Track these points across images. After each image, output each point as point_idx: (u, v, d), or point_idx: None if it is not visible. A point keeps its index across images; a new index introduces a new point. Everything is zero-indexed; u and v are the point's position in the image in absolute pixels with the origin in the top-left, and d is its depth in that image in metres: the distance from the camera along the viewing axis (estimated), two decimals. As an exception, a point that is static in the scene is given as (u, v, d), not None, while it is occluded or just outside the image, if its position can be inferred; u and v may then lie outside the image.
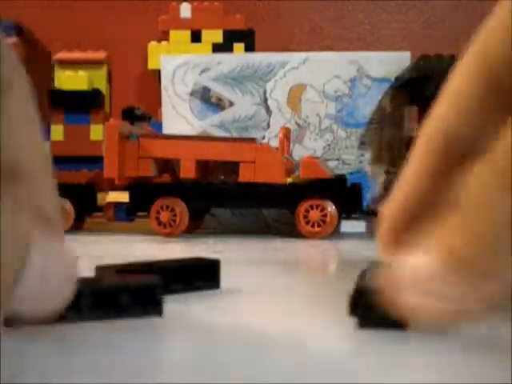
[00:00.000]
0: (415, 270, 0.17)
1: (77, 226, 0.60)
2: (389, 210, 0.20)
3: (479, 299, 0.16)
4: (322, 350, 0.17)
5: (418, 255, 0.17)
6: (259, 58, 0.65)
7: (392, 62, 0.63)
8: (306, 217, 0.53)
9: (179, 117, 0.66)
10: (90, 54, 0.72)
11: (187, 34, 0.76)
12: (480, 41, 0.19)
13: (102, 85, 0.70)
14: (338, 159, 0.64)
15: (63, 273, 0.16)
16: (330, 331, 0.19)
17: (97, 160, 0.66)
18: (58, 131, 0.68)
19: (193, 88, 0.66)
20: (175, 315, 0.21)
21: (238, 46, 0.75)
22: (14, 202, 0.15)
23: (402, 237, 0.20)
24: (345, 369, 0.15)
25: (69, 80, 0.68)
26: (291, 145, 0.62)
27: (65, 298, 0.16)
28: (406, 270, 0.17)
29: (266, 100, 0.65)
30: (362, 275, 0.20)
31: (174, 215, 0.54)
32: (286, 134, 0.59)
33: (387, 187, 0.61)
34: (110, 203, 0.59)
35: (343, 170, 0.63)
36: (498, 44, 0.18)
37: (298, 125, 0.64)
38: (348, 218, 0.58)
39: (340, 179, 0.56)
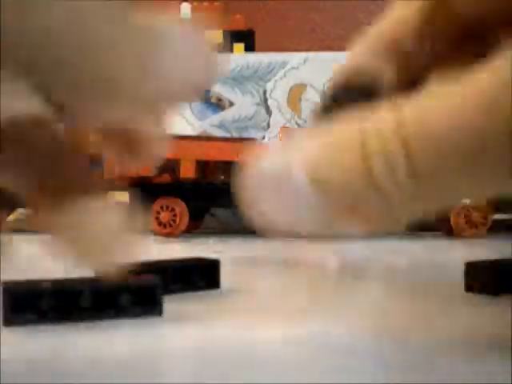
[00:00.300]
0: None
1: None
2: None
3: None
4: (322, 350, 0.16)
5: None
6: (259, 58, 0.65)
7: (392, 62, 0.63)
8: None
9: (179, 117, 0.66)
10: (90, 54, 0.72)
11: (187, 33, 0.76)
12: None
13: (101, 85, 0.70)
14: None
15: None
16: (330, 331, 0.19)
17: (97, 160, 0.66)
18: (57, 131, 0.68)
19: (193, 88, 0.66)
20: (175, 315, 0.21)
21: (238, 46, 0.75)
22: None
23: None
24: (345, 368, 0.15)
25: (69, 80, 0.68)
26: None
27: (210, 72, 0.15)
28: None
29: (266, 100, 0.65)
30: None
31: (174, 215, 0.54)
32: (286, 134, 0.58)
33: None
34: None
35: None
36: None
37: (298, 125, 0.64)
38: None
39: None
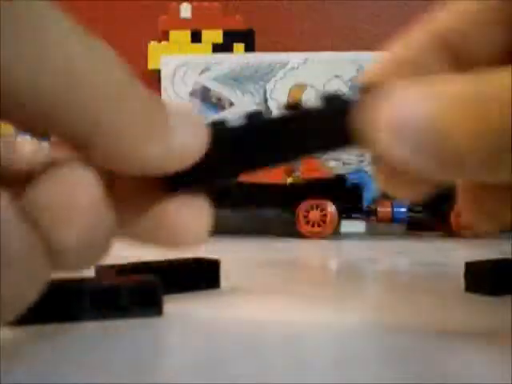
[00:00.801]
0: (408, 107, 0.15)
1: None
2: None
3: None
4: (322, 350, 0.17)
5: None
6: (259, 58, 0.65)
7: (392, 62, 0.63)
8: (305, 217, 0.53)
9: (179, 117, 0.66)
10: (90, 54, 0.72)
11: (187, 34, 0.76)
12: None
13: (102, 85, 0.70)
14: (337, 159, 0.64)
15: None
16: (330, 331, 0.19)
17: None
18: (58, 131, 0.68)
19: (193, 88, 0.66)
20: (175, 315, 0.21)
21: (238, 46, 0.75)
22: None
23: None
24: (344, 368, 0.15)
25: (69, 80, 0.68)
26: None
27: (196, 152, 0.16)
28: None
29: (266, 100, 0.65)
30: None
31: (174, 215, 0.54)
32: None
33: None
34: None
35: (343, 170, 0.63)
36: None
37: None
38: (348, 217, 0.58)
39: (340, 179, 0.56)
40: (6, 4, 0.13)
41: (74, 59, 0.14)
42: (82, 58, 0.14)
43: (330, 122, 0.16)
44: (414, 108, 0.14)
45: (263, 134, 0.17)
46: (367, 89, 0.16)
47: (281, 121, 0.16)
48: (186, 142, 0.16)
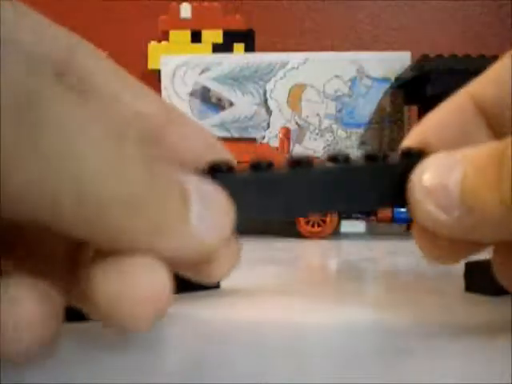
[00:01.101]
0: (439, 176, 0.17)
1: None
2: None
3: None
4: (322, 349, 0.16)
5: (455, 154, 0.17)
6: (259, 58, 0.65)
7: (392, 62, 0.63)
8: (306, 217, 0.53)
9: (179, 117, 0.66)
10: (90, 54, 0.72)
11: (187, 34, 0.76)
12: None
13: (102, 85, 0.70)
14: (338, 159, 0.64)
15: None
16: (330, 331, 0.19)
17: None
18: (58, 131, 0.68)
19: (193, 88, 0.66)
20: (175, 315, 0.21)
21: (238, 46, 0.75)
22: None
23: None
24: (344, 368, 0.15)
25: (69, 80, 0.68)
26: (291, 145, 0.62)
27: None
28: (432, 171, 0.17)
29: (266, 100, 0.65)
30: None
31: (174, 215, 0.54)
32: (286, 134, 0.59)
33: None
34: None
35: (343, 170, 0.63)
36: None
37: (298, 125, 0.64)
38: (348, 218, 0.58)
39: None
40: None
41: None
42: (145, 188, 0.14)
43: (394, 179, 0.17)
44: (443, 174, 0.17)
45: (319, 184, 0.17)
46: (413, 153, 0.17)
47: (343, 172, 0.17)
48: (206, 236, 0.15)
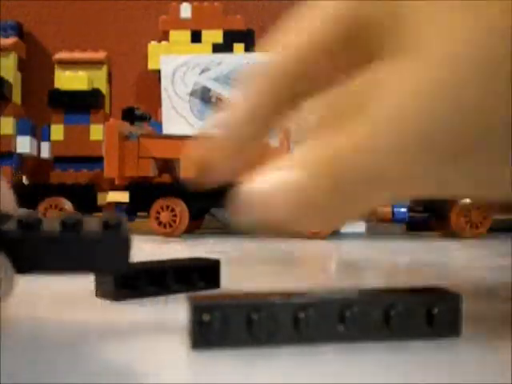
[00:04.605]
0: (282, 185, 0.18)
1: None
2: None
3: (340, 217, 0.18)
4: (322, 349, 0.17)
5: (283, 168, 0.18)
6: (259, 58, 0.65)
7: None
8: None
9: (179, 117, 0.66)
10: (89, 54, 0.72)
11: (187, 34, 0.76)
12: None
13: (101, 85, 0.70)
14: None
15: None
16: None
17: (97, 160, 0.66)
18: (58, 131, 0.68)
19: (193, 88, 0.66)
20: (175, 315, 0.21)
21: (238, 46, 0.75)
22: None
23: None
24: (344, 368, 0.15)
25: (69, 80, 0.68)
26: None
27: None
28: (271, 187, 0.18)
29: (266, 100, 0.65)
30: None
31: (174, 215, 0.54)
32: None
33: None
34: (110, 203, 0.59)
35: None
36: None
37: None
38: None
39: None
40: None
41: None
42: None
43: None
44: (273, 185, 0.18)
45: None
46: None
47: None
48: None
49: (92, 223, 0.18)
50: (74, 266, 0.18)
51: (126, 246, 0.18)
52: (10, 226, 0.18)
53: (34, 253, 0.18)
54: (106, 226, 0.18)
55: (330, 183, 0.17)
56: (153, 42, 0.77)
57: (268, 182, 0.18)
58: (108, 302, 0.23)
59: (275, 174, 0.18)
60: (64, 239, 0.18)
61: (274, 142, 0.59)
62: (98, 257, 0.18)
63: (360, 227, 0.60)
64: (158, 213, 0.54)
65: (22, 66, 0.77)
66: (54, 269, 0.18)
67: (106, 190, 0.62)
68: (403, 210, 0.58)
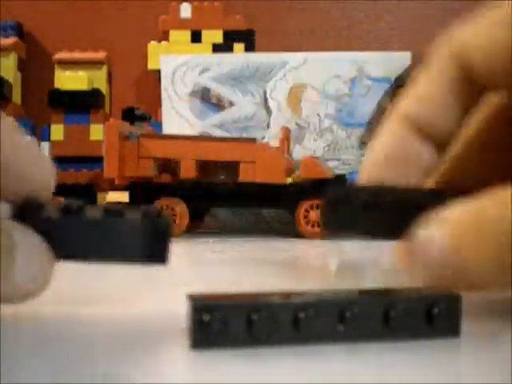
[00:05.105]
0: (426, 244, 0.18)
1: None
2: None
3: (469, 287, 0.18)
4: (323, 349, 0.16)
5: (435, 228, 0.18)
6: (259, 58, 0.65)
7: (392, 62, 0.63)
8: (305, 217, 0.53)
9: (179, 117, 0.66)
10: (89, 54, 0.72)
11: (187, 34, 0.76)
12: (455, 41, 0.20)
13: (101, 85, 0.70)
14: (338, 159, 0.64)
15: None
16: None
17: (97, 160, 0.66)
18: (58, 131, 0.68)
19: (193, 88, 0.66)
20: (175, 315, 0.21)
21: (238, 46, 0.75)
22: None
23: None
24: (344, 367, 0.15)
25: (69, 80, 0.68)
26: (291, 145, 0.62)
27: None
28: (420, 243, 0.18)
29: (266, 100, 0.65)
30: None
31: (174, 215, 0.54)
32: (286, 133, 0.59)
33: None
34: (109, 203, 0.59)
35: (343, 170, 0.63)
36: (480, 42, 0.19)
37: (298, 125, 0.64)
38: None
39: (340, 179, 0.56)
40: None
41: None
42: None
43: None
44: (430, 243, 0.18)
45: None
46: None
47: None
48: (31, 277, 0.17)
49: (133, 212, 0.18)
50: (113, 253, 0.18)
51: (165, 235, 0.18)
52: (51, 212, 0.18)
53: (76, 239, 0.18)
54: (146, 214, 0.18)
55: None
56: (153, 42, 0.77)
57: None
58: (108, 301, 0.22)
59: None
60: (107, 224, 0.18)
61: (274, 142, 0.59)
62: (138, 244, 0.18)
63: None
64: (158, 213, 0.54)
65: (22, 65, 0.77)
66: (94, 256, 0.18)
67: (105, 190, 0.62)
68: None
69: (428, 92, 0.20)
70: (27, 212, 0.18)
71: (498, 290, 0.18)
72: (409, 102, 0.21)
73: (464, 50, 0.20)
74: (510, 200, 0.17)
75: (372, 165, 0.22)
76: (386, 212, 0.19)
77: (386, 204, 0.19)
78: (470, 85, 0.20)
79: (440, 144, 0.21)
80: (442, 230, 0.18)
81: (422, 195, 0.19)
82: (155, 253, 0.18)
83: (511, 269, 0.17)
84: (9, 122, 0.18)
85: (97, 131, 0.68)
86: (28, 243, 0.17)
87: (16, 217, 0.18)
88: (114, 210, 0.18)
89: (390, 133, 0.21)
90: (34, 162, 0.18)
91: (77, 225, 0.18)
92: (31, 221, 0.17)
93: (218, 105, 0.65)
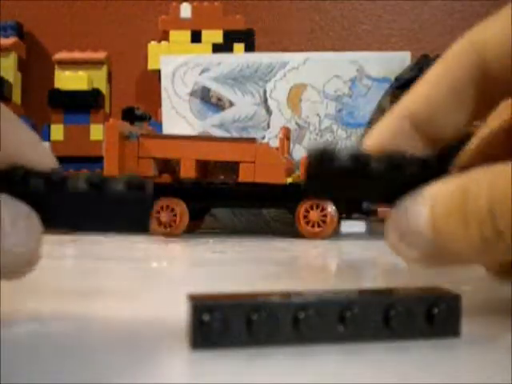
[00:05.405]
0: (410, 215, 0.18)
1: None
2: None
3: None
4: (323, 349, 0.16)
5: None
6: (259, 57, 0.65)
7: (392, 62, 0.63)
8: (305, 217, 0.53)
9: (179, 117, 0.66)
10: (89, 54, 0.72)
11: (187, 34, 0.76)
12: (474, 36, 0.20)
13: (102, 85, 0.70)
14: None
15: None
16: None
17: (97, 160, 0.66)
18: (58, 131, 0.68)
19: (193, 88, 0.66)
20: (175, 315, 0.21)
21: (238, 46, 0.75)
22: None
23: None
24: (344, 367, 0.15)
25: (69, 80, 0.68)
26: (291, 145, 0.62)
27: None
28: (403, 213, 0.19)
29: (266, 100, 0.65)
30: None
31: (174, 215, 0.54)
32: (286, 134, 0.59)
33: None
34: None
35: (343, 170, 0.63)
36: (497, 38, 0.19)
37: (298, 125, 0.64)
38: (348, 218, 0.58)
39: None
40: None
41: None
42: None
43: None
44: (413, 219, 0.18)
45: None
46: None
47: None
48: (18, 243, 0.17)
49: (116, 183, 0.18)
50: (97, 224, 0.19)
51: (148, 207, 0.18)
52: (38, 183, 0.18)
53: (61, 210, 0.18)
54: (130, 186, 0.18)
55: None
56: (153, 42, 0.77)
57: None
58: (108, 301, 0.22)
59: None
60: (91, 198, 0.18)
61: (274, 142, 0.59)
62: (121, 218, 0.18)
63: (360, 227, 0.60)
64: (158, 213, 0.54)
65: (22, 66, 0.77)
66: (79, 226, 0.19)
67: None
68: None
69: (430, 90, 0.20)
70: (14, 181, 0.18)
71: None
72: (410, 98, 0.21)
73: (478, 47, 0.20)
74: (489, 178, 0.17)
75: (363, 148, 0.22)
76: (374, 180, 0.19)
77: (372, 172, 0.19)
78: (483, 86, 0.20)
79: (436, 142, 0.21)
80: (424, 206, 0.18)
81: (412, 164, 0.19)
82: (138, 223, 0.19)
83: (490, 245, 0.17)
84: (4, 108, 0.18)
85: (97, 131, 0.68)
86: (13, 211, 0.17)
87: (2, 185, 0.18)
88: (97, 183, 0.18)
89: (387, 124, 0.21)
90: (31, 145, 0.18)
91: (60, 198, 0.18)
92: (17, 190, 0.18)
93: (218, 105, 0.65)
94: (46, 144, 0.68)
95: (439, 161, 0.19)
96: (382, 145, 0.21)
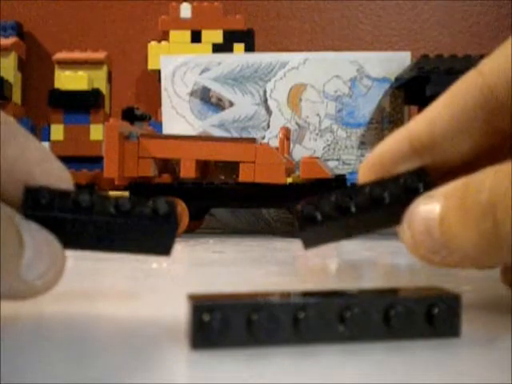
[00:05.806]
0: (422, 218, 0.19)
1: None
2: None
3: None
4: (323, 349, 0.17)
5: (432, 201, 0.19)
6: (259, 58, 0.65)
7: (392, 62, 0.63)
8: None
9: (179, 117, 0.66)
10: (89, 54, 0.72)
11: (187, 34, 0.76)
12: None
13: (102, 85, 0.70)
14: (337, 159, 0.64)
15: None
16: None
17: (97, 160, 0.66)
18: (58, 131, 0.68)
19: (193, 88, 0.66)
20: (175, 315, 0.21)
21: (238, 46, 0.75)
22: None
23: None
24: (344, 367, 0.15)
25: (69, 80, 0.68)
26: (291, 145, 0.62)
27: None
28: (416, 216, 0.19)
29: (266, 100, 0.65)
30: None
31: (174, 215, 0.54)
32: (286, 134, 0.59)
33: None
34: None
35: (343, 170, 0.63)
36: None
37: (298, 125, 0.64)
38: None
39: (340, 179, 0.56)
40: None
41: None
42: None
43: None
44: (427, 220, 0.19)
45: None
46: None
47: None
48: (40, 274, 0.17)
49: (142, 208, 0.19)
50: (122, 247, 0.19)
51: (174, 232, 0.19)
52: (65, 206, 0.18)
53: (87, 234, 0.18)
54: (157, 211, 0.18)
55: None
56: (153, 42, 0.77)
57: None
58: (108, 301, 0.22)
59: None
60: (117, 225, 0.18)
61: (274, 142, 0.59)
62: (146, 242, 0.19)
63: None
64: (158, 213, 0.54)
65: (22, 66, 0.77)
66: (103, 249, 0.19)
67: (106, 190, 0.62)
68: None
69: (433, 113, 0.21)
70: (37, 206, 0.18)
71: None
72: (413, 120, 0.21)
73: (484, 74, 0.20)
74: (492, 174, 0.17)
75: (365, 167, 0.22)
76: (359, 217, 0.20)
77: (356, 213, 0.19)
78: (489, 114, 0.20)
79: (440, 168, 0.21)
80: (431, 205, 0.18)
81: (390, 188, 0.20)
82: (162, 248, 0.19)
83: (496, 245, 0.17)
84: (12, 121, 0.18)
85: (97, 131, 0.68)
86: (36, 239, 0.17)
87: (26, 211, 0.17)
88: (124, 210, 0.18)
89: (387, 144, 0.21)
90: (41, 162, 0.18)
91: (87, 223, 0.18)
92: (41, 216, 0.18)
93: (218, 105, 0.65)
94: (46, 144, 0.68)
95: (419, 179, 0.20)
96: (381, 165, 0.21)
